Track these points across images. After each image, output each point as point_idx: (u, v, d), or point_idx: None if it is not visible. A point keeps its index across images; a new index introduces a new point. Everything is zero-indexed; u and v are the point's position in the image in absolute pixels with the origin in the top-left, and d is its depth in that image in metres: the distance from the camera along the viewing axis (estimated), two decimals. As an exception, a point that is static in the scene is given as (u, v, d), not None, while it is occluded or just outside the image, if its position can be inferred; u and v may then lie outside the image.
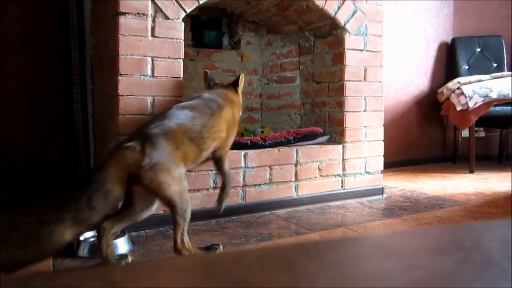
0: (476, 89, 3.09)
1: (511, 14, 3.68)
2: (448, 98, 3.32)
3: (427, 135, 3.77)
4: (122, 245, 1.47)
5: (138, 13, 1.69)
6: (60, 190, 2.24)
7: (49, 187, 2.24)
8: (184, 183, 1.31)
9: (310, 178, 2.14)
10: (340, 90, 2.24)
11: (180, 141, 1.32)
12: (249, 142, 2.03)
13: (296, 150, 2.09)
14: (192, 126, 1.37)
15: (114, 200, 1.20)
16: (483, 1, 3.76)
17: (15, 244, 1.05)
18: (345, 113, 2.23)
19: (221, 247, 1.48)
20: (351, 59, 2.23)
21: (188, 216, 1.29)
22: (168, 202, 1.25)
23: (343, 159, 2.23)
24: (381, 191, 2.36)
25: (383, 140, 2.37)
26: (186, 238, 1.28)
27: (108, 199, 1.16)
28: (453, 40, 3.74)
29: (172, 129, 1.31)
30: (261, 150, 2.01)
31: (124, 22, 1.66)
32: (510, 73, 3.28)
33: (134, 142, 1.24)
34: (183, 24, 1.80)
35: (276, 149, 2.04)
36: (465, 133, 3.60)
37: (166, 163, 1.24)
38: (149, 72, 1.72)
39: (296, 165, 2.09)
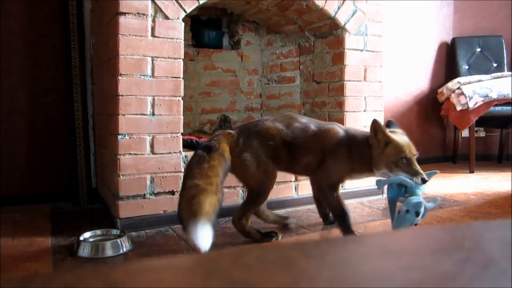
0: (476, 89, 3.09)
1: (511, 14, 3.68)
2: (448, 98, 3.32)
3: (427, 135, 3.77)
4: (121, 245, 1.47)
5: (138, 13, 1.69)
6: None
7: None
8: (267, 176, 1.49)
9: (310, 178, 2.14)
10: (340, 90, 2.24)
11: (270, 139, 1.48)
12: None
13: (296, 150, 2.09)
14: (289, 131, 1.50)
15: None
16: (483, 1, 3.76)
17: None
18: (345, 113, 2.23)
19: (279, 236, 1.57)
20: (351, 59, 2.23)
21: (257, 200, 1.53)
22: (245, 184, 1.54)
23: (343, 159, 2.23)
24: (381, 191, 2.35)
25: (383, 140, 2.37)
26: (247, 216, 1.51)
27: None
28: (453, 40, 3.74)
29: (266, 127, 1.49)
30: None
31: (124, 22, 1.66)
32: (510, 73, 3.29)
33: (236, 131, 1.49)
34: (183, 24, 1.79)
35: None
36: (465, 133, 3.60)
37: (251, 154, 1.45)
38: (149, 72, 1.72)
39: (296, 165, 2.09)
